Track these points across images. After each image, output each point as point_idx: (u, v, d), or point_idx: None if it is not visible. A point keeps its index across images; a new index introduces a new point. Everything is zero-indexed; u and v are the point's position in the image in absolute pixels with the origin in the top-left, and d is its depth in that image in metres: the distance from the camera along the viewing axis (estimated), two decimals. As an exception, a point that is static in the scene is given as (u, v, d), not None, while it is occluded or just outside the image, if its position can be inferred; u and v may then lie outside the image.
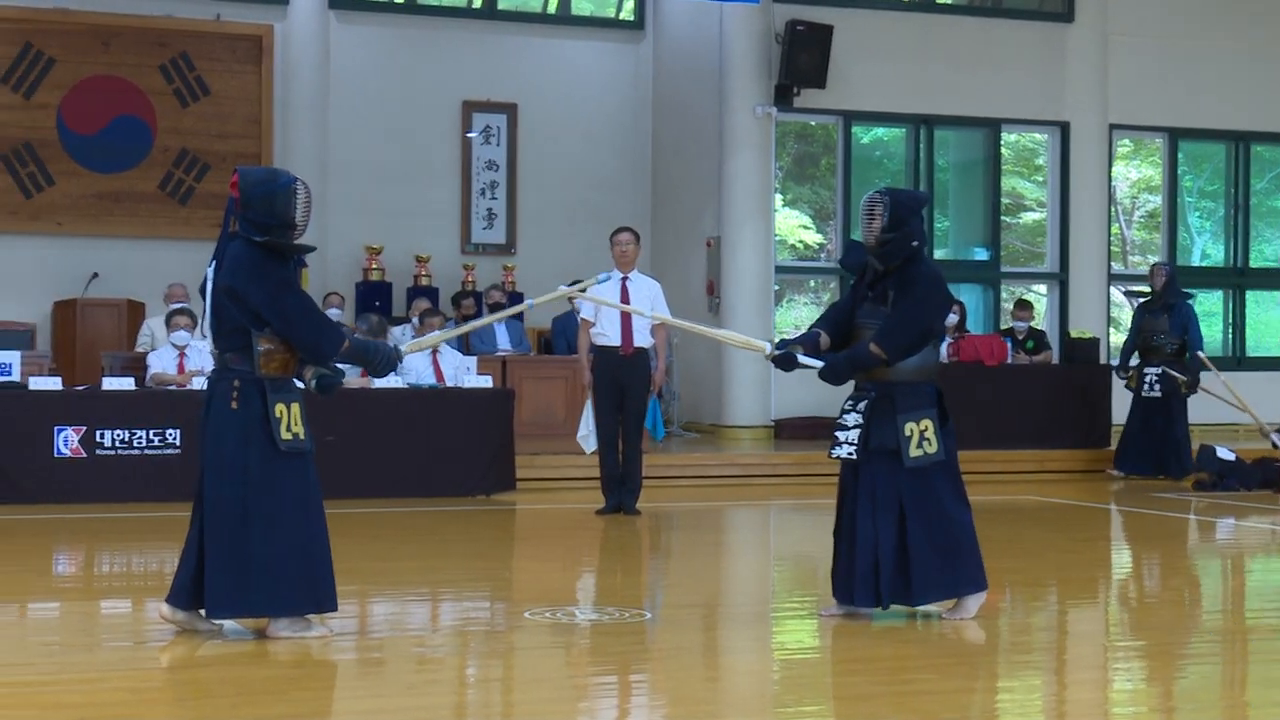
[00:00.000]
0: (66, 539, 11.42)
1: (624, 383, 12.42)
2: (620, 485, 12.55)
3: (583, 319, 12.61)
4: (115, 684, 6.44)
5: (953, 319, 17.15)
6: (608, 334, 12.37)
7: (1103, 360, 18.27)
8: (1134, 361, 16.42)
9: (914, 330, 7.72)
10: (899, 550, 7.66)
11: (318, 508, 7.22)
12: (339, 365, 7.33)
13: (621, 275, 12.43)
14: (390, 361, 7.38)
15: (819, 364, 7.81)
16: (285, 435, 7.09)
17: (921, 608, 7.83)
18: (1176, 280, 16.50)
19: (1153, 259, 20.81)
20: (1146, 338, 16.25)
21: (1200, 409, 16.72)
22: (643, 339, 12.40)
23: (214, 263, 7.22)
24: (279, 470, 7.10)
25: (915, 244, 7.79)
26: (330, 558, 7.24)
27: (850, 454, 7.74)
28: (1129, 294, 16.32)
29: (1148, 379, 16.09)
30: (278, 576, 7.06)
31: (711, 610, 8.52)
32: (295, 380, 7.29)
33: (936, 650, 7.24)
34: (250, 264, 7.08)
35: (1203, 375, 15.86)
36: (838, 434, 7.81)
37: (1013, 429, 16.89)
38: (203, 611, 7.22)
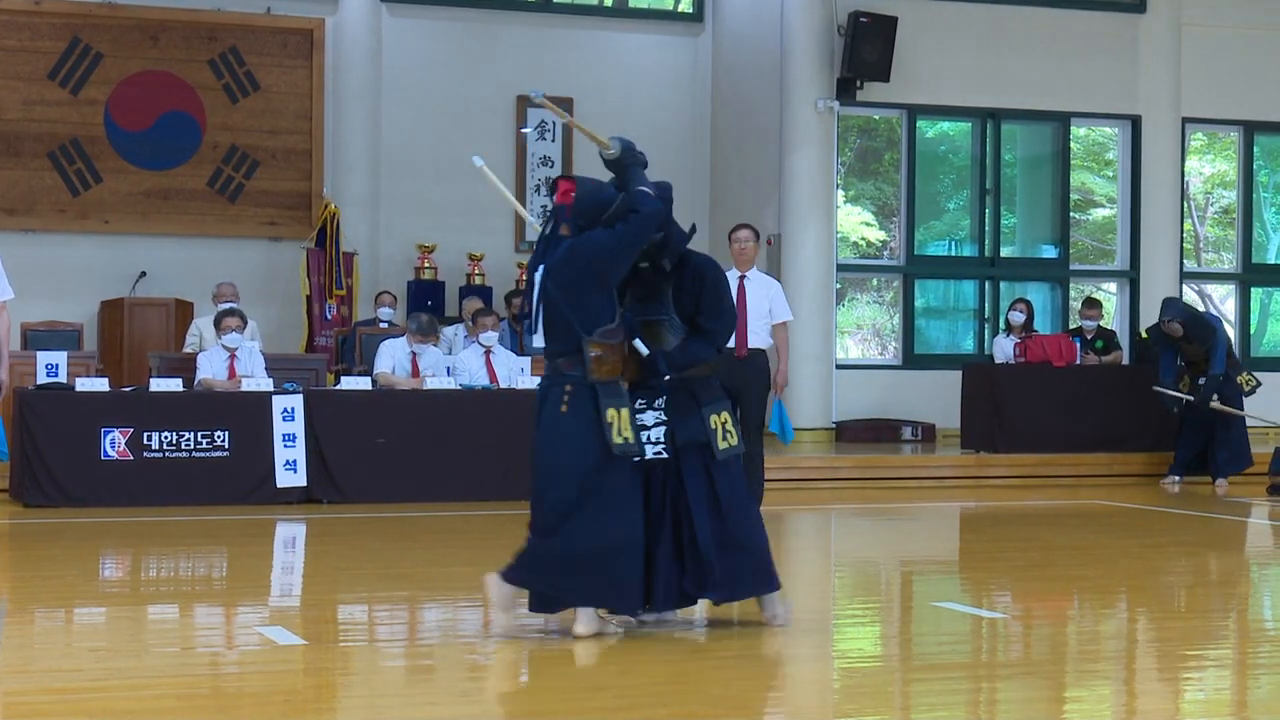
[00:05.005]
0: (113, 542, 11.36)
1: (739, 388, 11.91)
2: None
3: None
4: (163, 690, 6.44)
5: (1019, 318, 16.84)
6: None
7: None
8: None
9: None
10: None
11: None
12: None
13: (740, 274, 11.95)
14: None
15: None
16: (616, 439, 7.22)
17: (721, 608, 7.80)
18: (1199, 318, 16.04)
19: (1227, 256, 20.38)
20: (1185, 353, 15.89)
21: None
22: (759, 340, 11.84)
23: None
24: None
25: None
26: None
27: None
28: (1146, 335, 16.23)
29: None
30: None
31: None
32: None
33: (1002, 659, 7.25)
34: None
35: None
36: None
37: (1081, 431, 16.53)
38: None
